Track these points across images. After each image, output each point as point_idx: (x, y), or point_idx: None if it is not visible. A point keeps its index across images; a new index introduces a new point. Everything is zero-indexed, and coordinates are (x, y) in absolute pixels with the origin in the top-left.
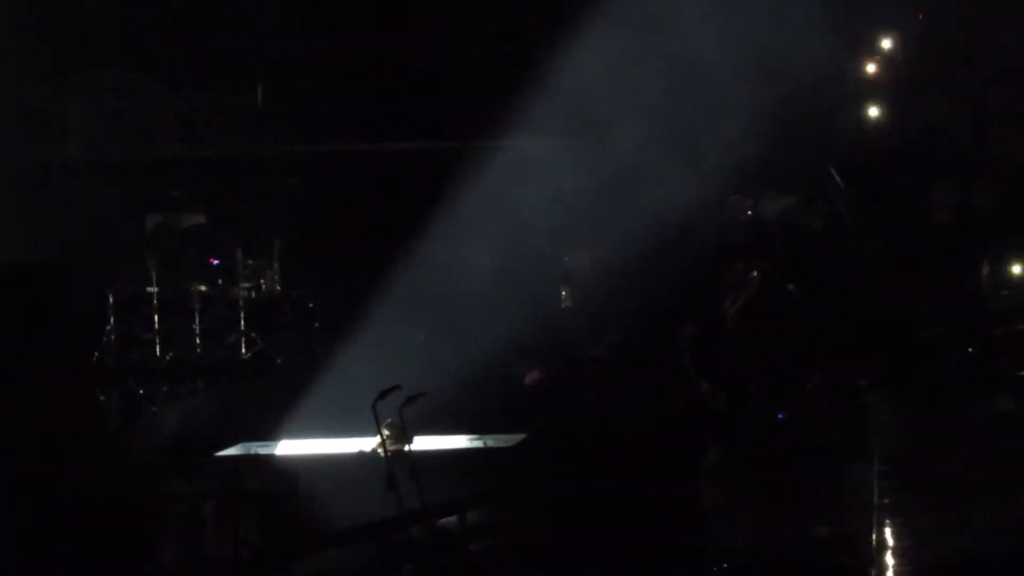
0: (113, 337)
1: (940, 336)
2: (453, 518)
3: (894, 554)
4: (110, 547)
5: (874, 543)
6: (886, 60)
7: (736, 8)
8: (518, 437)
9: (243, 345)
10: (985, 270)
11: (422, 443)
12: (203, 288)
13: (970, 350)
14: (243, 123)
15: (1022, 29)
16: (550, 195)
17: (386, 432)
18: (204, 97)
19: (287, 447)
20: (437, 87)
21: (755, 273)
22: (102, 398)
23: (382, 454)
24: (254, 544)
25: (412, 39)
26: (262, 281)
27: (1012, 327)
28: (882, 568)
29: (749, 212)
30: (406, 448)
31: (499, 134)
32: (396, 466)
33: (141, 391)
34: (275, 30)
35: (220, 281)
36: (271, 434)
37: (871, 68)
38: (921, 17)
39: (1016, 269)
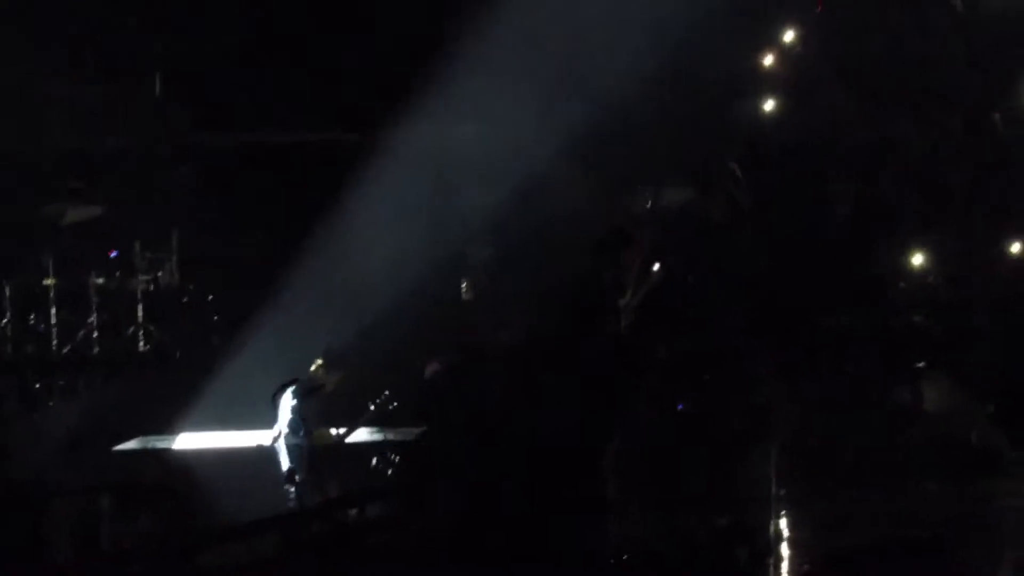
0: (9, 330)
1: (839, 327)
2: (353, 511)
3: (792, 544)
4: (4, 542)
5: (772, 533)
6: (785, 52)
7: (636, 1)
8: (418, 430)
9: (141, 338)
10: (884, 261)
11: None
12: (100, 281)
13: (868, 341)
14: (141, 114)
15: (917, 20)
16: (450, 187)
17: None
18: (102, 88)
19: (186, 441)
20: (336, 79)
21: (656, 267)
22: None
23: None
24: (153, 538)
25: (311, 29)
26: (160, 274)
27: (909, 318)
28: (780, 558)
29: (649, 204)
30: (305, 441)
31: (399, 126)
32: (295, 459)
33: (38, 384)
34: (173, 21)
35: (118, 273)
36: (170, 428)
37: (770, 60)
38: (819, 9)
39: (915, 260)
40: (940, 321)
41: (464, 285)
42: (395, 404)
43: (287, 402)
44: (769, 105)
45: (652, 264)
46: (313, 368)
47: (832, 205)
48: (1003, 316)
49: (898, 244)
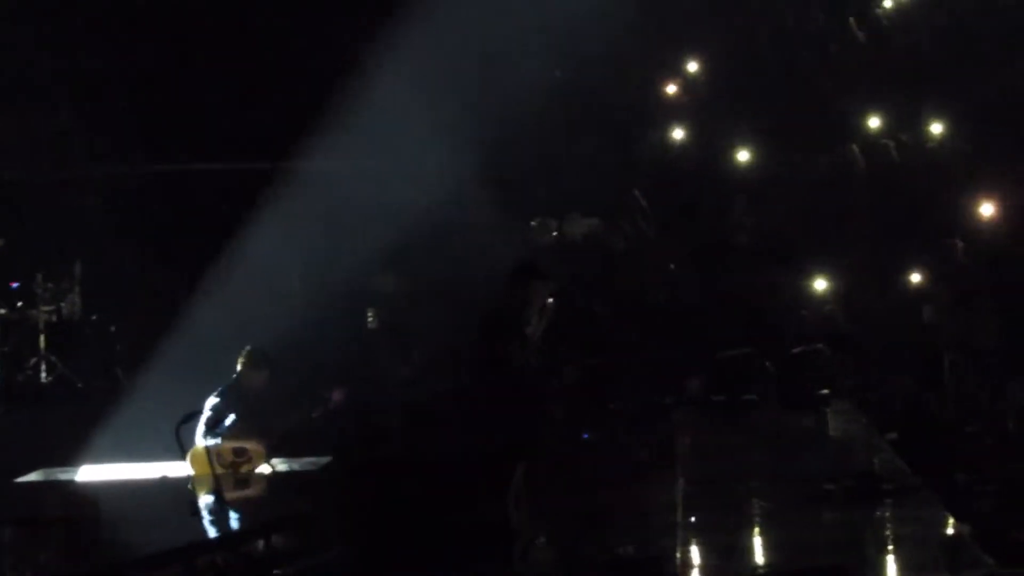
0: None
1: (742, 356)
2: (259, 542)
3: (696, 571)
4: None
5: (679, 562)
6: (688, 82)
7: (540, 33)
8: (324, 460)
9: (43, 369)
10: (785, 289)
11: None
12: (2, 311)
13: (771, 369)
14: (42, 144)
15: (816, 50)
16: (355, 218)
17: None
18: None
19: (89, 473)
20: (240, 109)
21: (551, 300)
22: None
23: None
24: (55, 571)
25: (215, 60)
26: (63, 304)
27: (812, 345)
28: None
29: (554, 233)
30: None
31: (302, 156)
32: (200, 491)
33: None
34: (73, 49)
35: (19, 304)
36: (73, 459)
37: (673, 90)
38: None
39: (816, 288)
40: (842, 349)
41: (370, 316)
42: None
43: (197, 431)
44: (673, 134)
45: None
46: (240, 367)
47: (732, 233)
48: (904, 344)
49: (798, 272)
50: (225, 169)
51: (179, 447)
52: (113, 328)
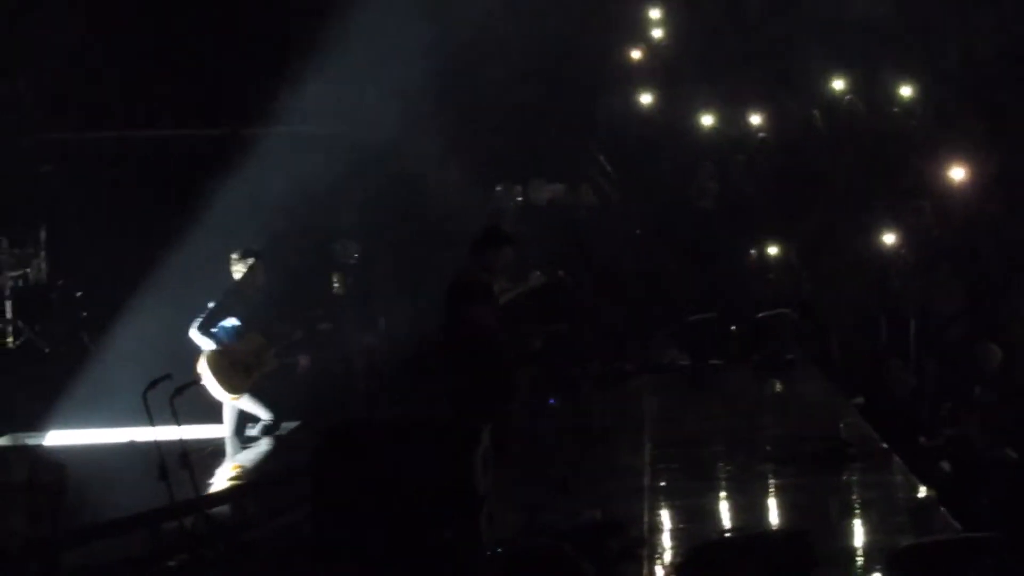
0: None
1: (706, 320)
2: (225, 507)
3: (663, 536)
4: None
5: (646, 525)
6: (651, 47)
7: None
8: (292, 425)
9: (10, 334)
10: (750, 253)
11: (193, 432)
12: None
13: (736, 333)
14: (4, 110)
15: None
16: (318, 183)
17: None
18: None
19: (57, 437)
20: (201, 73)
21: (537, 273)
22: None
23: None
24: (23, 535)
25: (176, 24)
26: (28, 270)
27: (777, 310)
28: (653, 549)
29: (519, 199)
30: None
31: (265, 121)
32: (167, 456)
33: None
34: (35, 16)
35: None
36: (40, 424)
37: (636, 55)
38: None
39: (782, 250)
40: (807, 313)
41: (335, 282)
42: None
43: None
44: (637, 98)
45: (531, 268)
46: (235, 270)
47: (696, 197)
48: (870, 308)
49: (763, 235)
50: (189, 135)
51: (146, 412)
52: (79, 293)
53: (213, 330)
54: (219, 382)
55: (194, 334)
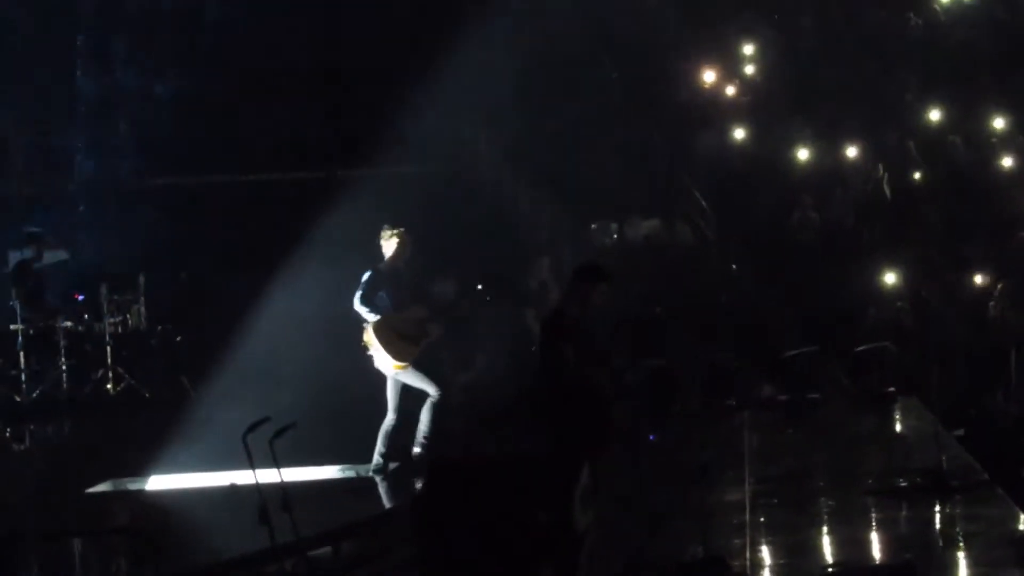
0: None
1: (806, 354)
2: (327, 549)
3: (767, 572)
4: None
5: (748, 561)
6: (746, 83)
7: (599, 34)
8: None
9: (110, 380)
10: (851, 288)
11: (293, 475)
12: (68, 324)
13: (836, 368)
14: (105, 156)
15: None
16: (415, 224)
17: None
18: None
19: (157, 482)
20: (293, 120)
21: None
22: None
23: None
24: None
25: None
26: (128, 316)
27: (878, 343)
28: None
29: (615, 236)
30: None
31: (372, 162)
32: (268, 498)
33: (8, 430)
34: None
35: (85, 316)
36: (141, 469)
37: (731, 91)
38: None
39: (883, 283)
40: (908, 346)
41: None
42: None
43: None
44: (732, 134)
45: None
46: (385, 245)
47: (795, 231)
48: (970, 340)
49: (863, 270)
50: (283, 179)
51: (247, 455)
52: (179, 338)
53: (375, 301)
54: (387, 351)
55: (358, 306)
